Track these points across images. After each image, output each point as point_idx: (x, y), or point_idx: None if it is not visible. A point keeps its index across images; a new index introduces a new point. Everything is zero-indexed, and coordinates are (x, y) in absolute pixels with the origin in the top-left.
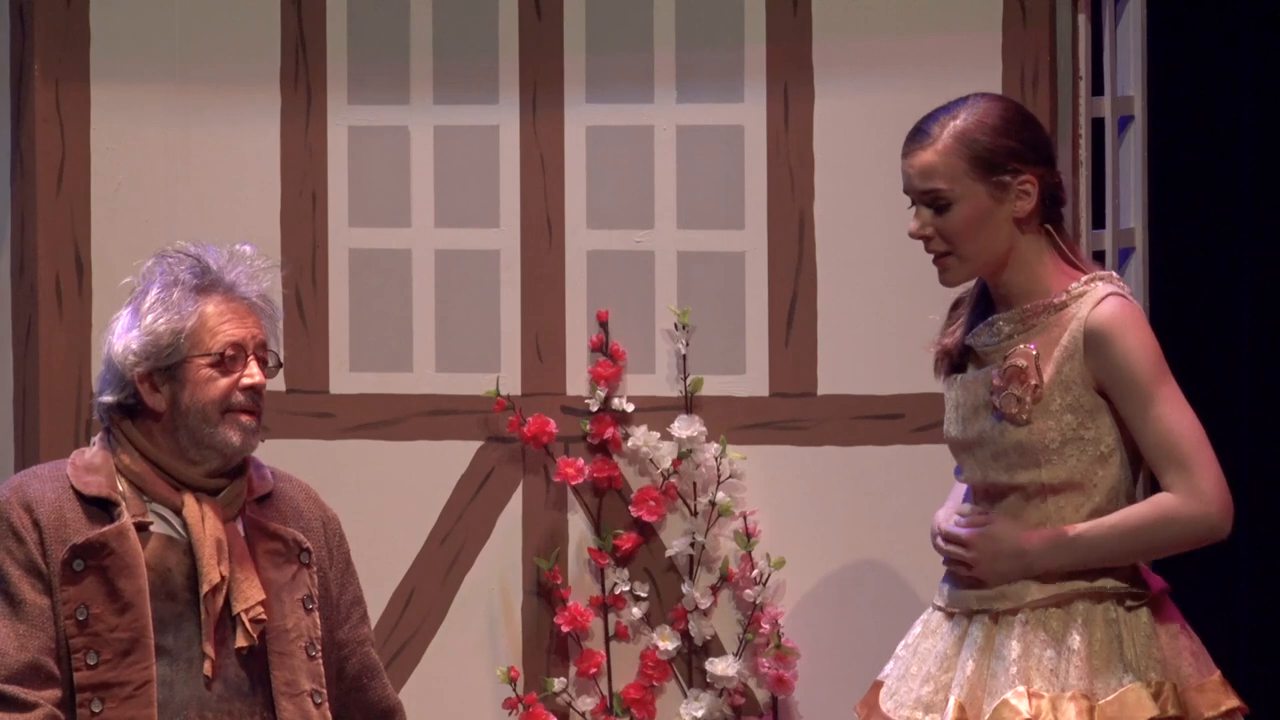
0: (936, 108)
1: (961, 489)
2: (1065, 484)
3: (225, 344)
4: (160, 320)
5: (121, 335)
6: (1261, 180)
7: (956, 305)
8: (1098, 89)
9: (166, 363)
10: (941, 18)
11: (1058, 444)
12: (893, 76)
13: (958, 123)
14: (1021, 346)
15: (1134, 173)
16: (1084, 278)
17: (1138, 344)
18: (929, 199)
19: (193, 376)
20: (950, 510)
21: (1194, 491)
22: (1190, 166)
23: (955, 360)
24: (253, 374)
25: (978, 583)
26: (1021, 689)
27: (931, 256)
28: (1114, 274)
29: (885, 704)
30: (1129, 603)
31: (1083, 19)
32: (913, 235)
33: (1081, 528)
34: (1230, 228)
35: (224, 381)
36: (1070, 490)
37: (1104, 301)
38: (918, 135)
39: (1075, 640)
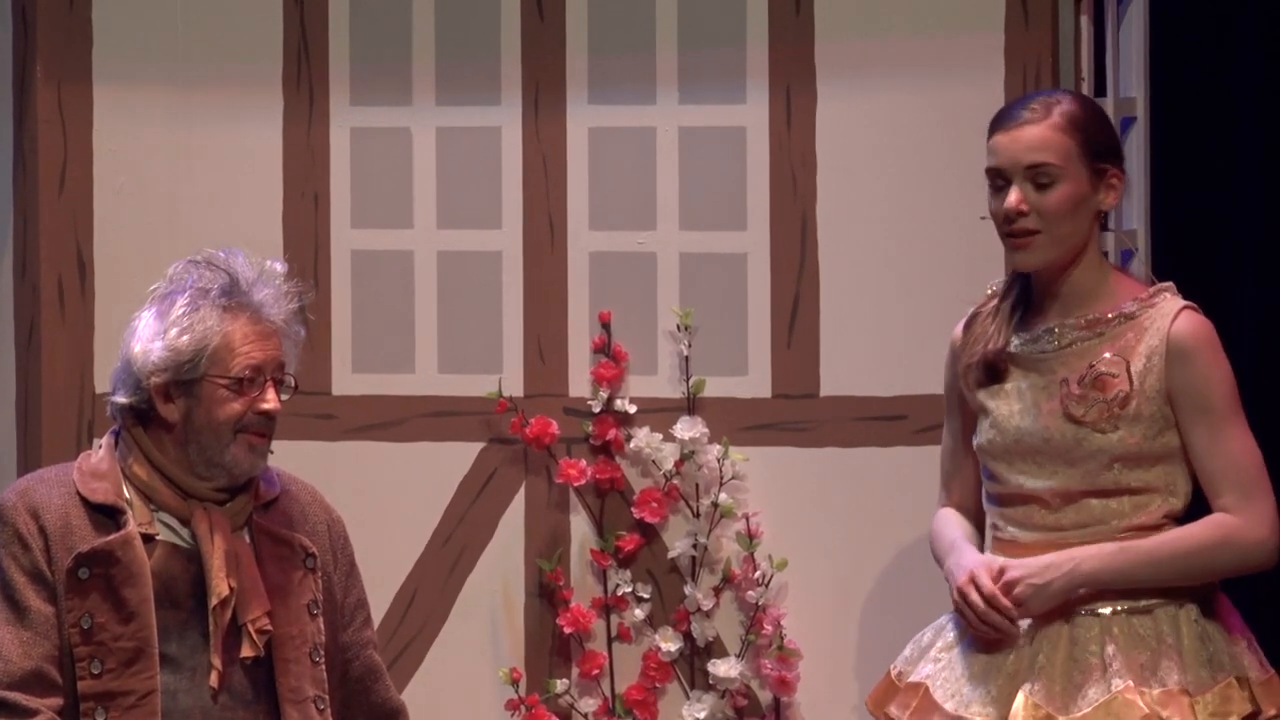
0: (1022, 97)
1: (956, 522)
2: (1145, 488)
3: (245, 367)
4: (185, 336)
5: (143, 340)
6: (1264, 181)
7: (973, 320)
8: (1100, 90)
9: (185, 377)
10: (944, 19)
11: (1140, 450)
12: (895, 78)
13: (1065, 106)
14: (1108, 355)
15: (1137, 173)
16: (1151, 288)
17: (1219, 365)
18: (1033, 174)
19: (209, 395)
20: (972, 559)
21: (1257, 517)
22: (1193, 167)
23: (995, 369)
24: (269, 399)
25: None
26: (1129, 682)
27: (1009, 236)
28: (1173, 285)
29: (947, 703)
30: (1203, 604)
31: (1085, 20)
32: (1010, 210)
33: (1138, 542)
34: (1233, 228)
35: (239, 403)
36: (1149, 493)
37: (1183, 315)
38: (1021, 113)
39: (1168, 640)
